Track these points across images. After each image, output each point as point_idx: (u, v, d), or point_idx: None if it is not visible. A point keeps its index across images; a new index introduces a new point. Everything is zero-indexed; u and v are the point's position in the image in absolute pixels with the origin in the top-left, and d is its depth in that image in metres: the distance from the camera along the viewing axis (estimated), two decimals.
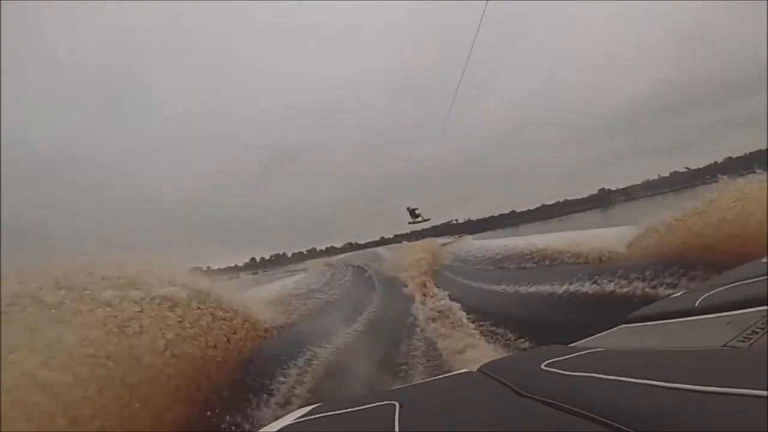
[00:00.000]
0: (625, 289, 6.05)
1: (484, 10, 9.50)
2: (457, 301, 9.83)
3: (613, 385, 1.24)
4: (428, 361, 6.27)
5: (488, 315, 7.74)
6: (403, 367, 6.13)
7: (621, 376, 1.25)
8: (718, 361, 1.33)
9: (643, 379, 1.15)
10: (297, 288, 15.99)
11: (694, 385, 1.00)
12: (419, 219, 24.26)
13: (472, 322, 7.64)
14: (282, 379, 5.38)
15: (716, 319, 1.87)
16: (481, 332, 6.98)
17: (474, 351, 6.10)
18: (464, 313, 8.40)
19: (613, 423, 1.01)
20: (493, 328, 6.94)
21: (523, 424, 1.25)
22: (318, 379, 5.64)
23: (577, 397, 1.24)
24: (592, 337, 2.56)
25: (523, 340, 6.01)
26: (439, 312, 8.96)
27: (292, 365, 5.79)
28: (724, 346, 1.50)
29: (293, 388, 5.28)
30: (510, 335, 6.34)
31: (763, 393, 0.84)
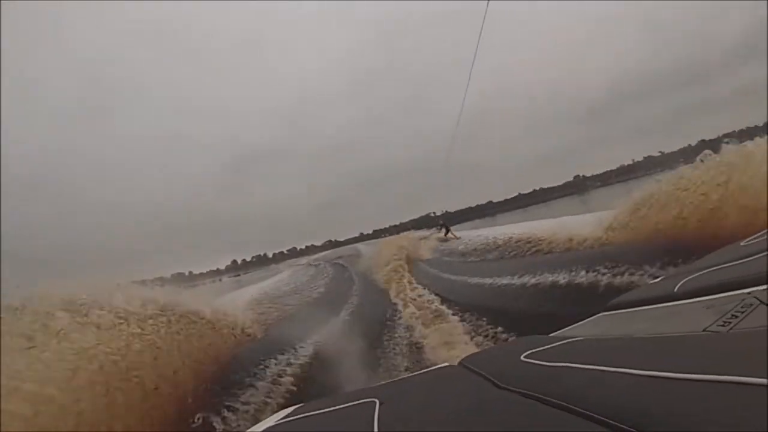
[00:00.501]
0: (604, 276, 6.04)
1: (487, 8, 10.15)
2: (437, 294, 9.82)
3: (591, 374, 1.22)
4: (409, 354, 6.27)
5: (469, 308, 7.71)
6: (384, 362, 6.13)
7: (599, 365, 1.23)
8: (697, 347, 1.32)
9: (621, 367, 1.14)
10: (277, 288, 16.04)
11: (673, 372, 0.97)
12: (449, 235, 23.89)
13: (453, 315, 7.62)
14: (261, 381, 5.32)
15: (696, 303, 1.87)
16: (462, 325, 6.95)
17: (455, 344, 6.09)
18: (444, 307, 8.36)
19: (590, 413, 0.98)
20: (474, 321, 6.93)
21: (501, 417, 1.23)
22: (299, 378, 5.60)
23: (555, 387, 1.23)
24: (572, 326, 2.55)
25: (504, 331, 6.01)
26: (419, 306, 8.94)
27: (272, 367, 5.73)
28: (704, 331, 1.49)
29: (273, 389, 5.24)
30: (491, 328, 6.32)
31: (743, 379, 0.81)
